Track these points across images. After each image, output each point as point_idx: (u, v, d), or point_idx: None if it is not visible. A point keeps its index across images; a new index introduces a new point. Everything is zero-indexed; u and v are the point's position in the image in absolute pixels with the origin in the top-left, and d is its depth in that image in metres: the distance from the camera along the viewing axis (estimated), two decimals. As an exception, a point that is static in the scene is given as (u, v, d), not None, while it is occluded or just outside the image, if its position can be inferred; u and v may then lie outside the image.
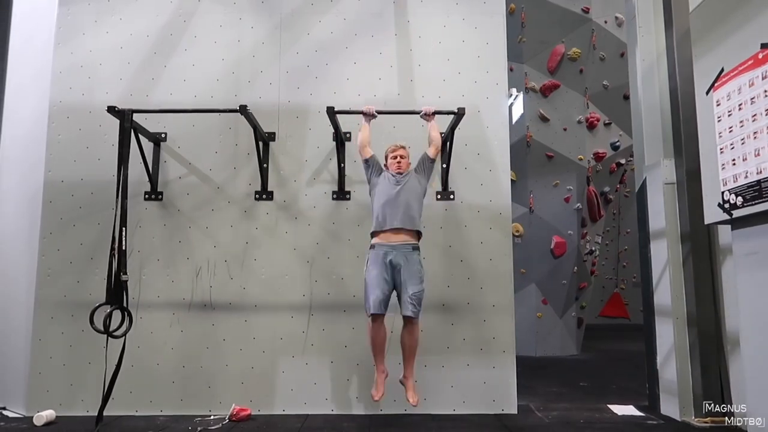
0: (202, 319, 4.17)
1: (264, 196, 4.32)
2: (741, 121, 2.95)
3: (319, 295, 4.21)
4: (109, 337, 3.39)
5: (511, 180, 4.63)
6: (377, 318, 3.48)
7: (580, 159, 8.02)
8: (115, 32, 4.51)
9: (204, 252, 4.25)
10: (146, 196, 4.30)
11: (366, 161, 3.77)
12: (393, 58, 4.48)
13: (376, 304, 3.43)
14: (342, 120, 4.16)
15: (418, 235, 3.65)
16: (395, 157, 3.73)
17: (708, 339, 3.87)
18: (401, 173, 3.69)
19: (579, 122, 8.07)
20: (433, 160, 3.79)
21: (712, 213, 3.24)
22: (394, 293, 3.57)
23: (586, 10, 7.97)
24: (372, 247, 3.63)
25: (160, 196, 4.32)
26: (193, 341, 4.15)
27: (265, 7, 4.56)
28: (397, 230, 3.55)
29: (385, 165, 3.80)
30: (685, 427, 3.71)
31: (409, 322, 3.51)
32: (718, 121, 3.15)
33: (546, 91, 7.87)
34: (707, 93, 3.26)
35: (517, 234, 7.69)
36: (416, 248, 3.60)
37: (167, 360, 4.12)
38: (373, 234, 3.65)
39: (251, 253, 4.25)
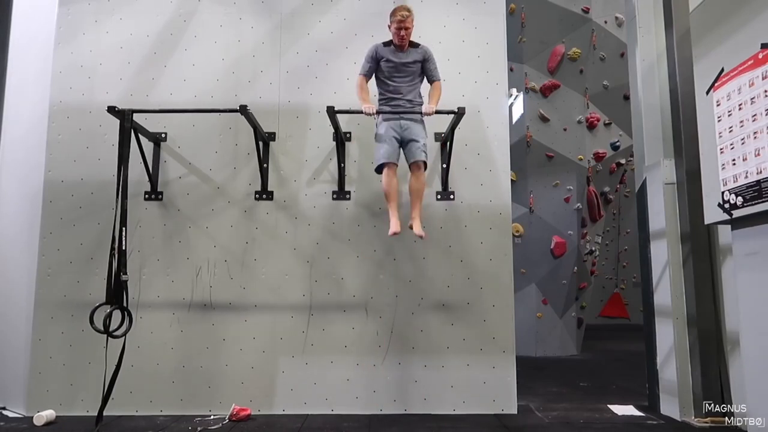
0: (202, 319, 4.17)
1: (264, 196, 4.32)
2: (741, 121, 2.96)
3: (319, 295, 4.21)
4: (109, 337, 3.39)
5: (511, 180, 4.63)
6: (389, 167, 3.76)
7: (580, 159, 8.02)
8: (115, 32, 4.51)
9: (204, 252, 4.25)
10: (146, 196, 4.30)
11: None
12: (393, 58, 4.48)
13: (387, 155, 3.75)
14: (342, 120, 4.16)
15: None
16: (399, 28, 3.77)
17: (708, 339, 3.87)
18: (403, 49, 3.85)
19: (579, 122, 8.07)
20: (430, 82, 3.97)
21: (712, 213, 3.24)
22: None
23: (586, 10, 7.97)
24: (380, 108, 3.88)
25: (160, 196, 4.32)
26: (193, 341, 4.15)
27: (265, 7, 4.56)
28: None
29: (383, 24, 3.92)
30: (685, 427, 3.71)
31: (417, 167, 3.78)
32: (718, 121, 3.15)
33: (546, 91, 7.86)
34: (707, 93, 3.26)
35: (517, 234, 7.69)
36: (421, 120, 3.91)
37: (167, 360, 4.12)
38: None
39: (251, 253, 4.25)
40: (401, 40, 3.82)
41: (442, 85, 3.99)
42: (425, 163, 3.82)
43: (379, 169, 3.84)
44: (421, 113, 3.85)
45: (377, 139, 3.88)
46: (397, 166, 3.82)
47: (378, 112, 3.85)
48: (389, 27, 3.86)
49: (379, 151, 3.81)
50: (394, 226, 3.71)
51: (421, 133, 3.86)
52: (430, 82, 3.99)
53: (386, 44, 3.91)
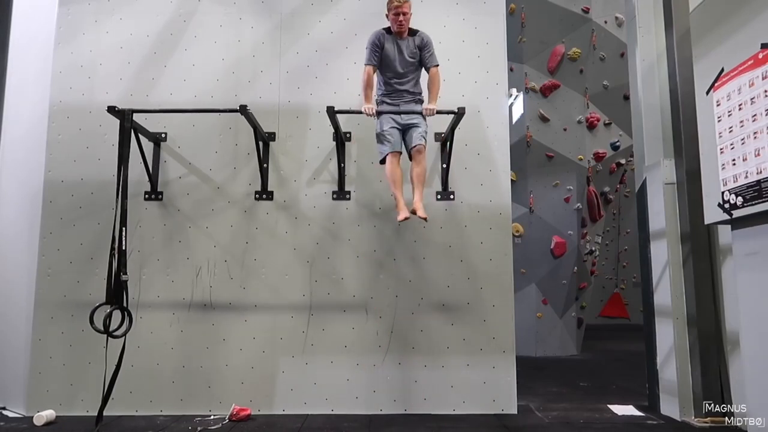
0: (202, 319, 4.17)
1: (264, 196, 4.32)
2: (741, 121, 2.96)
3: (319, 295, 4.21)
4: (109, 337, 3.39)
5: (511, 180, 4.63)
6: (393, 154, 3.80)
7: (580, 159, 8.02)
8: (115, 32, 4.51)
9: (204, 252, 4.25)
10: (146, 196, 4.30)
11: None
12: (393, 58, 4.48)
13: (391, 146, 3.81)
14: (342, 120, 4.16)
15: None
16: (397, 14, 3.80)
17: (708, 339, 3.87)
18: (402, 36, 3.86)
19: (579, 122, 8.07)
20: (427, 70, 3.96)
21: (712, 213, 3.24)
22: None
23: (586, 10, 7.97)
24: (381, 103, 3.95)
25: (160, 196, 4.32)
26: (193, 341, 4.15)
27: (265, 7, 4.56)
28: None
29: (384, 23, 3.92)
30: (685, 427, 3.71)
31: (417, 152, 3.82)
32: (718, 121, 3.15)
33: (546, 91, 7.86)
34: (707, 93, 3.26)
35: (517, 234, 7.69)
36: (419, 100, 3.98)
37: (167, 360, 4.12)
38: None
39: (251, 253, 4.25)
40: (400, 27, 3.82)
41: (442, 84, 3.98)
42: (424, 147, 3.86)
43: (384, 161, 3.86)
44: (421, 113, 3.85)
45: (379, 137, 3.89)
46: (401, 153, 3.87)
47: (378, 113, 3.85)
48: (387, 16, 3.89)
49: (383, 145, 3.85)
50: (403, 212, 3.71)
51: (421, 119, 3.90)
52: (427, 69, 3.96)
53: (387, 31, 3.90)
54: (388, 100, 3.95)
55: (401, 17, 3.79)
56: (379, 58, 3.89)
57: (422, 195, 3.80)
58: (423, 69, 4.00)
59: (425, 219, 3.74)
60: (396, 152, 3.83)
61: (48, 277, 4.19)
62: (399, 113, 3.88)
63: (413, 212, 3.74)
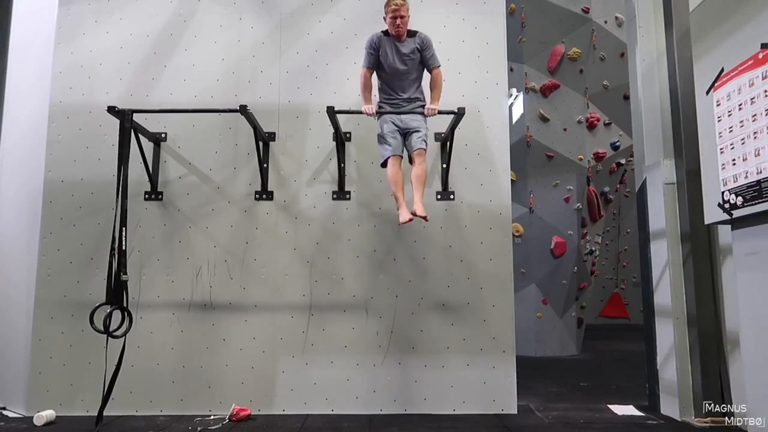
0: (202, 319, 4.17)
1: (264, 196, 4.32)
2: (741, 121, 2.96)
3: (319, 295, 4.21)
4: (109, 337, 3.39)
5: (511, 180, 4.64)
6: (394, 158, 3.79)
7: (580, 159, 8.02)
8: (115, 32, 4.51)
9: (204, 252, 4.25)
10: (146, 196, 4.30)
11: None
12: (393, 58, 4.48)
13: (392, 149, 3.80)
14: (342, 120, 4.16)
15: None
16: (395, 17, 3.75)
17: (708, 339, 3.87)
18: (401, 38, 3.81)
19: (579, 122, 8.07)
20: (429, 71, 3.95)
21: (712, 213, 3.24)
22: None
23: (586, 10, 7.97)
24: (382, 107, 3.91)
25: (160, 196, 4.32)
26: (193, 341, 4.15)
27: (265, 7, 4.56)
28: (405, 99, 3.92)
29: (383, 24, 3.86)
30: (685, 427, 3.71)
31: (418, 155, 3.79)
32: (718, 121, 3.15)
33: (546, 91, 7.86)
34: (707, 93, 3.26)
35: (517, 234, 7.69)
36: (422, 107, 3.91)
37: (167, 360, 4.12)
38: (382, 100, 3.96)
39: (251, 253, 4.25)
40: (397, 29, 3.77)
41: (443, 84, 3.97)
42: (425, 150, 3.84)
43: (385, 163, 3.84)
44: (423, 114, 3.85)
45: (380, 139, 3.87)
46: (401, 157, 3.85)
47: (378, 113, 3.85)
48: (385, 19, 3.84)
49: (385, 148, 3.82)
50: (405, 214, 3.67)
51: (422, 123, 3.87)
52: (429, 70, 3.94)
53: (386, 34, 3.88)
54: (388, 107, 3.90)
55: (398, 20, 3.74)
56: (375, 60, 3.88)
57: (422, 195, 3.77)
58: (424, 73, 3.98)
59: (425, 218, 3.72)
60: (397, 156, 3.81)
61: (48, 277, 4.19)
62: (399, 113, 3.88)
63: (414, 213, 3.71)
